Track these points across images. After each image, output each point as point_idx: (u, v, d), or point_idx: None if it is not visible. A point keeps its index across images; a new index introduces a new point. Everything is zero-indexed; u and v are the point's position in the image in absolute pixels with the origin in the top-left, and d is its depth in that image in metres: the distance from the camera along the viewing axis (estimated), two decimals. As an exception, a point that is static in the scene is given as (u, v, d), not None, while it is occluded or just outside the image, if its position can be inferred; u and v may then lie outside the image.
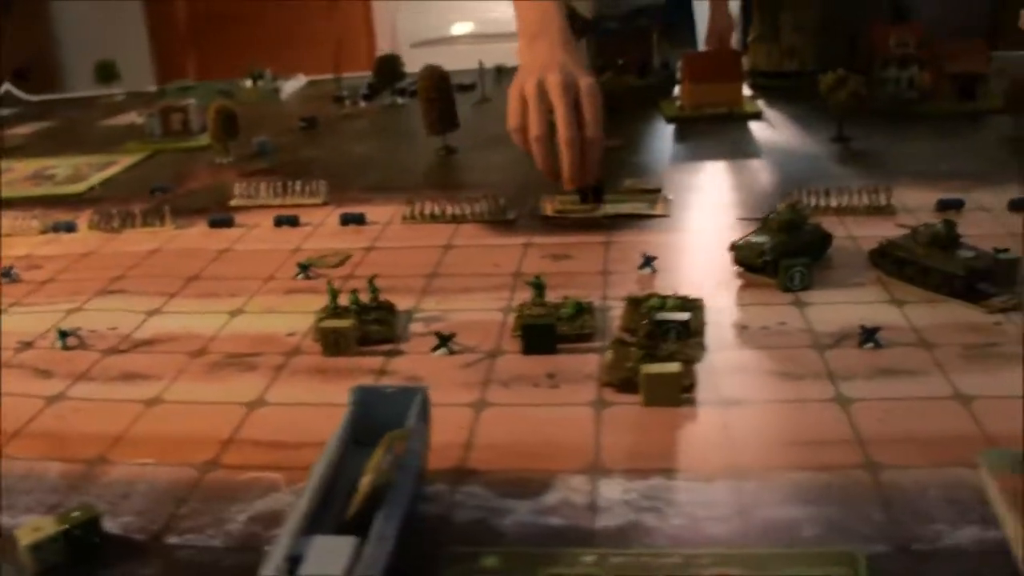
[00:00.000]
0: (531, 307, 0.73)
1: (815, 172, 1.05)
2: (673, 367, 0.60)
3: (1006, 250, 0.77)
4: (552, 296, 0.74)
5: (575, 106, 0.92)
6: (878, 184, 0.92)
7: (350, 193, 1.08)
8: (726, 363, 0.65)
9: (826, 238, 0.81)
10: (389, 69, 1.54)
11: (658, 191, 1.00)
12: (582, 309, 0.72)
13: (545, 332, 0.68)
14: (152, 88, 1.64)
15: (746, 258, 0.78)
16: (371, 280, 0.76)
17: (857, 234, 0.86)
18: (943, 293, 0.73)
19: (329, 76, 1.65)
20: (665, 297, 0.72)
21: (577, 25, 1.41)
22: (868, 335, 0.66)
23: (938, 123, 1.24)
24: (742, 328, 0.70)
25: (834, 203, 0.91)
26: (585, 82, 0.93)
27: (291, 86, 1.70)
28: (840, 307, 0.73)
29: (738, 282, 0.78)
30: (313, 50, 2.29)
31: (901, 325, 0.69)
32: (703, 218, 0.94)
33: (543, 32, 1.02)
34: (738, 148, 1.19)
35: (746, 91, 1.42)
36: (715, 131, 1.26)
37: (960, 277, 0.72)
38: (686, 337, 0.67)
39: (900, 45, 1.30)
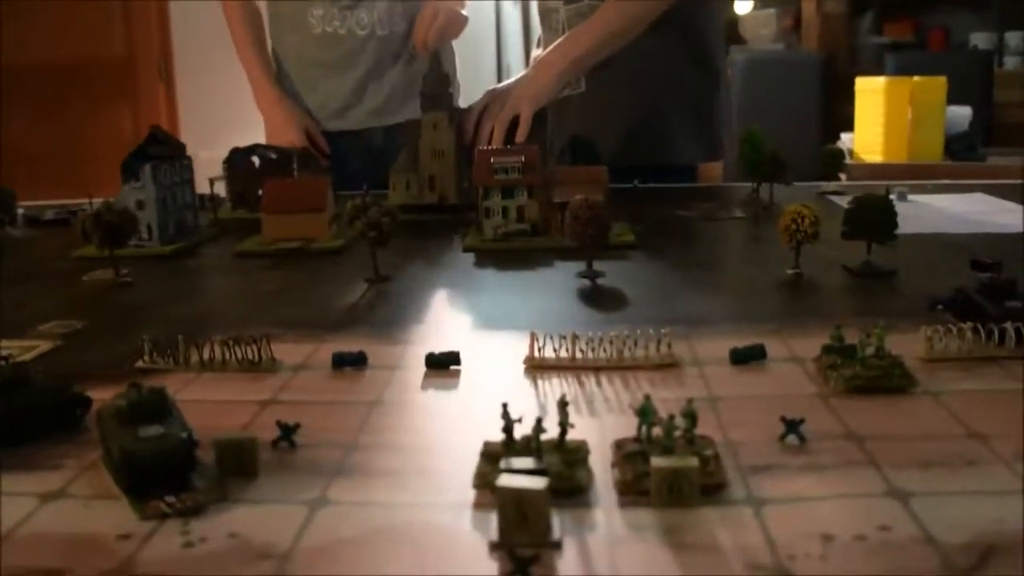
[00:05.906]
0: None
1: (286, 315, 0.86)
2: None
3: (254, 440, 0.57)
4: None
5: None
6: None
7: None
8: None
9: (76, 404, 0.61)
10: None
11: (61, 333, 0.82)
12: None
13: None
14: None
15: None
16: None
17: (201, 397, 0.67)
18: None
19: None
20: None
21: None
22: None
23: (536, 260, 1.06)
24: None
25: (203, 355, 0.73)
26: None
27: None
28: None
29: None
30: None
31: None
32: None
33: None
34: (244, 287, 1.02)
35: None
36: (274, 266, 1.08)
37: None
38: None
39: (503, 171, 1.14)
